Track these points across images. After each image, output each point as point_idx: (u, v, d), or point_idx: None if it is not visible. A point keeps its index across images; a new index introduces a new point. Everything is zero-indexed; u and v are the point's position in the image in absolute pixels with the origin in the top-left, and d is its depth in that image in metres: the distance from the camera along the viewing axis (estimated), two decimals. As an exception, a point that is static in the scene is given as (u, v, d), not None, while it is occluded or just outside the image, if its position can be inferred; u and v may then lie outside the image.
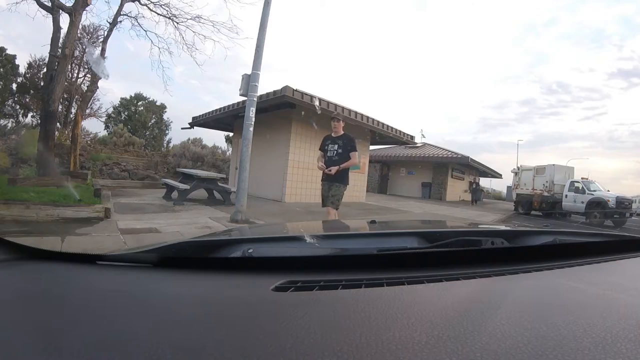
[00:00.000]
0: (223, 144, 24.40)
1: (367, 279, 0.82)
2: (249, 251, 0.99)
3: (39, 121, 8.60)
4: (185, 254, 1.02)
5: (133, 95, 28.77)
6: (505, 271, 0.93)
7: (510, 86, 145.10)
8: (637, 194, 47.04)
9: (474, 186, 25.20)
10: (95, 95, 15.59)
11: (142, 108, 28.67)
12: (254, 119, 6.89)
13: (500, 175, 31.88)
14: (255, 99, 6.94)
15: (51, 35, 9.01)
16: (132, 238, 4.57)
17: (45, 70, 12.89)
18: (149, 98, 29.19)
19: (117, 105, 27.51)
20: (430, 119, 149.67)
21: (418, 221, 2.51)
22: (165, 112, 29.51)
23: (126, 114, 27.64)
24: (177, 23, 11.20)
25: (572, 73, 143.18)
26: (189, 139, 21.02)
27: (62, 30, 8.98)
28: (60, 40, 9.01)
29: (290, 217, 8.01)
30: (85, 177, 10.12)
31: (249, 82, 6.92)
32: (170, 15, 11.11)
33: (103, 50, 11.40)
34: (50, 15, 9.07)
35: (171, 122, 29.88)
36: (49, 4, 9.01)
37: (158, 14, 11.12)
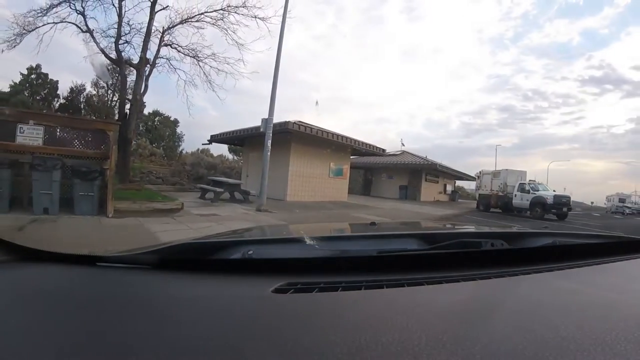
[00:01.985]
0: (227, 154, 28.45)
1: (367, 281, 0.82)
2: (249, 253, 0.98)
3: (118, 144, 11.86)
4: (185, 256, 1.02)
5: (151, 111, 32.81)
6: (505, 273, 0.93)
7: (488, 94, 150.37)
8: (616, 192, 50.97)
9: (451, 188, 29.16)
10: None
11: (158, 122, 33.16)
12: (270, 147, 10.67)
13: (474, 178, 35.77)
14: (271, 134, 10.74)
15: (120, 82, 12.60)
16: (205, 218, 8.14)
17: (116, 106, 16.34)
18: (164, 114, 33.67)
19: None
20: (420, 126, 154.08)
21: (418, 223, 2.59)
22: (178, 125, 34.20)
23: (145, 127, 31.57)
24: (199, 60, 14.09)
25: (545, 81, 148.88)
26: (198, 149, 25.06)
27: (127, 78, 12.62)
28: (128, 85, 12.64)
29: (291, 208, 11.66)
30: (139, 184, 13.72)
31: (266, 124, 10.79)
32: (193, 54, 14.03)
33: (146, 87, 14.04)
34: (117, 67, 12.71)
35: (184, 134, 34.49)
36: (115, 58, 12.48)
37: (184, 54, 13.98)
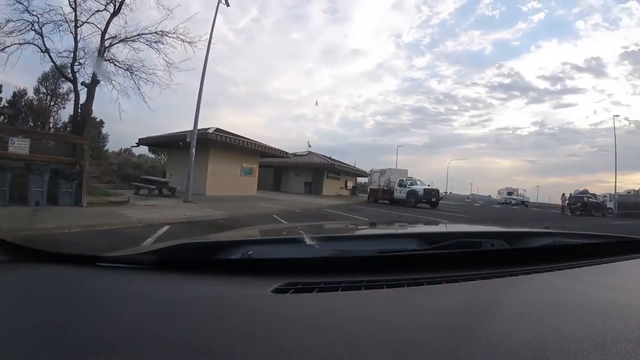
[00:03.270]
0: (147, 153, 30.77)
1: (367, 281, 0.82)
2: (249, 253, 0.97)
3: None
4: (185, 256, 1.02)
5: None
6: (505, 273, 0.93)
7: (402, 96, 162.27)
8: (506, 186, 58.92)
9: (353, 184, 34.22)
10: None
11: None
12: (194, 153, 13.92)
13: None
14: (195, 142, 13.99)
15: (74, 100, 14.39)
16: (149, 207, 11.05)
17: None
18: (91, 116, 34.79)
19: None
20: (337, 125, 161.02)
21: (418, 223, 2.53)
22: (103, 126, 34.97)
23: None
24: (132, 72, 15.51)
25: (456, 86, 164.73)
26: (121, 149, 27.19)
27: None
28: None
29: (210, 200, 14.76)
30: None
31: (192, 135, 14.02)
32: (127, 67, 15.51)
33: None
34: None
35: (109, 134, 35.61)
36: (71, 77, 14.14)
37: (119, 67, 15.43)
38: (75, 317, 0.65)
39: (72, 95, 15.41)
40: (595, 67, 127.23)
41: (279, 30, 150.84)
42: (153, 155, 30.92)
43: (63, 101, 28.80)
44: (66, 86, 19.87)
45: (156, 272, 0.93)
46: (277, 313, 0.68)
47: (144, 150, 32.69)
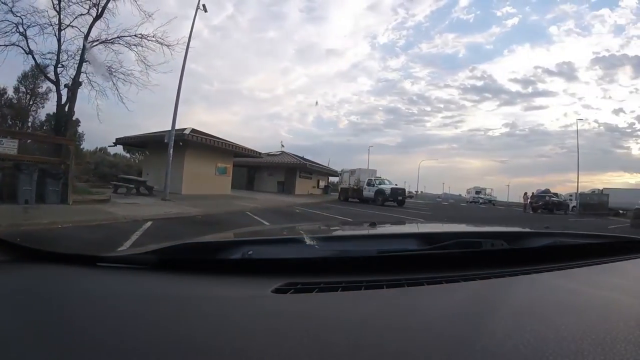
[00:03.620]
0: (122, 152, 31.11)
1: (367, 281, 0.82)
2: (249, 253, 0.98)
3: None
4: (185, 256, 1.03)
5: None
6: (505, 273, 0.93)
7: (376, 96, 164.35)
8: (474, 185, 61.17)
9: (325, 184, 35.80)
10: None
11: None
12: (172, 153, 14.69)
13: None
14: (173, 143, 14.75)
15: (57, 101, 14.98)
16: (130, 204, 11.77)
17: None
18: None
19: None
20: (311, 124, 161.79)
21: (419, 223, 2.52)
22: (79, 125, 34.98)
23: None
24: (111, 73, 16.33)
25: (430, 87, 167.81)
26: (97, 148, 27.52)
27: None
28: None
29: (187, 199, 15.51)
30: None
31: (170, 135, 14.71)
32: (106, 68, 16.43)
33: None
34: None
35: (84, 133, 35.44)
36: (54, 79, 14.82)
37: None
38: (75, 317, 0.65)
39: (51, 95, 16.05)
40: (567, 72, 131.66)
41: (255, 28, 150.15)
42: (128, 155, 31.34)
43: (42, 100, 29.50)
44: (45, 85, 20.79)
45: (156, 272, 0.94)
46: (277, 313, 0.67)
47: (118, 149, 33.03)
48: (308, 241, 1.07)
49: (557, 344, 0.54)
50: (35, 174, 9.85)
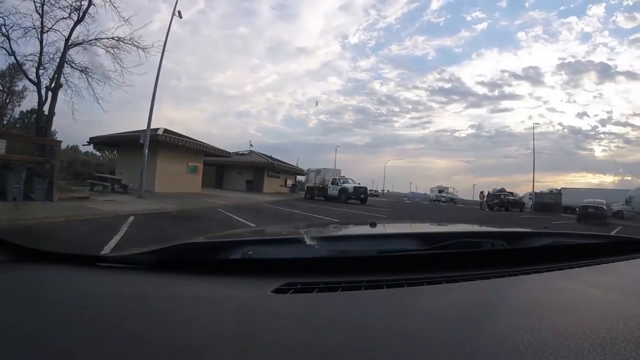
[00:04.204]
0: (93, 151, 31.44)
1: (367, 281, 0.82)
2: (249, 253, 0.99)
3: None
4: (185, 256, 1.03)
5: (29, 109, 33.37)
6: (505, 273, 0.94)
7: (345, 96, 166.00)
8: (437, 185, 63.58)
9: (292, 182, 37.61)
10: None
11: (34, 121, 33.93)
12: (147, 153, 15.69)
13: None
14: (148, 144, 15.77)
15: (37, 102, 15.56)
16: (108, 201, 12.59)
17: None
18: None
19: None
20: (280, 123, 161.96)
21: (419, 223, 2.38)
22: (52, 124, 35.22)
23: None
24: (87, 74, 17.11)
25: (399, 88, 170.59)
26: (68, 146, 27.95)
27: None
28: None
29: (160, 197, 16.34)
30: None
31: (145, 136, 15.70)
32: (82, 69, 17.09)
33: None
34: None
35: (56, 131, 35.63)
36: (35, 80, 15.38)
37: (75, 69, 16.97)
38: (75, 317, 0.65)
39: (27, 93, 16.56)
40: (533, 76, 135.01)
41: (225, 24, 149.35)
42: (98, 153, 31.70)
43: (19, 99, 29.90)
44: (22, 84, 21.12)
45: (156, 272, 0.94)
46: (277, 313, 0.67)
47: (89, 147, 33.21)
48: (308, 241, 1.07)
49: (556, 344, 0.53)
50: (24, 172, 10.63)
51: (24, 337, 0.55)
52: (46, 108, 15.59)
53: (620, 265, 1.17)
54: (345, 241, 1.37)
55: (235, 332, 0.59)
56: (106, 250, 5.31)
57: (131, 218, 9.29)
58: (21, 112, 25.69)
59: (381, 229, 1.76)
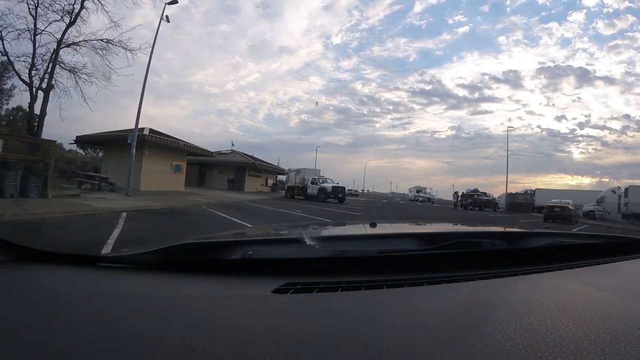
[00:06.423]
0: (77, 149, 31.78)
1: (367, 281, 0.82)
2: (249, 253, 0.98)
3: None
4: (185, 256, 1.03)
5: (15, 106, 33.96)
6: (505, 273, 0.94)
7: (327, 96, 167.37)
8: (415, 185, 64.83)
9: (273, 182, 38.59)
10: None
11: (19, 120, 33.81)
12: (134, 153, 16.47)
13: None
14: (135, 143, 16.56)
15: (29, 102, 16.33)
16: (98, 198, 13.31)
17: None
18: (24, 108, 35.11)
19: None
20: (262, 121, 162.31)
21: (418, 223, 2.28)
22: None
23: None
24: (75, 74, 18.07)
25: (380, 89, 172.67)
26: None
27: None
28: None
29: (146, 194, 17.07)
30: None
31: (133, 136, 16.46)
32: (70, 68, 17.99)
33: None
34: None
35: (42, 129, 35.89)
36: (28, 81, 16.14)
37: (64, 69, 17.84)
38: (75, 317, 0.64)
39: (15, 91, 17.18)
40: (513, 79, 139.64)
41: (208, 21, 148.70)
42: (82, 152, 31.99)
43: (7, 97, 30.00)
44: (10, 82, 21.69)
45: (156, 272, 0.94)
46: (277, 313, 0.67)
47: (73, 145, 33.42)
48: (308, 241, 1.07)
49: (556, 344, 0.53)
50: (20, 170, 11.28)
51: (24, 337, 0.55)
52: (37, 108, 16.32)
53: (621, 265, 1.17)
54: (345, 241, 1.36)
55: (235, 332, 0.59)
56: (112, 240, 5.99)
57: (124, 214, 9.85)
58: (6, 109, 26.10)
59: (381, 229, 1.75)
